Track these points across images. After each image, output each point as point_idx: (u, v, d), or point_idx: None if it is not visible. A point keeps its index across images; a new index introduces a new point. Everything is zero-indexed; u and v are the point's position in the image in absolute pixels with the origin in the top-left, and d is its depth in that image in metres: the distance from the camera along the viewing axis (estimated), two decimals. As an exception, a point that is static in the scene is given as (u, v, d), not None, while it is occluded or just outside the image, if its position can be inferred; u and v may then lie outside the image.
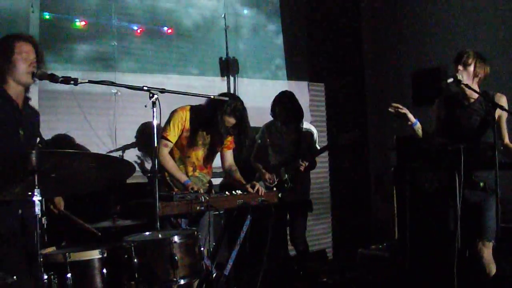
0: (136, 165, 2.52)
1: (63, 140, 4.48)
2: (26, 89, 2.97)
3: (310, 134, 4.86)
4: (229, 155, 4.16)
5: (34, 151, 2.20)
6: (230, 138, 4.08)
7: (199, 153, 3.96)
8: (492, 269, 3.60)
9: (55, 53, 4.55)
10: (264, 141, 4.93)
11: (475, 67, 3.68)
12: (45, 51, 4.11)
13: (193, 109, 3.93)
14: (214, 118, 3.80)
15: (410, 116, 3.68)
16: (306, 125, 4.90)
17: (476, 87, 3.71)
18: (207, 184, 4.06)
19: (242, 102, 3.90)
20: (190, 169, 3.93)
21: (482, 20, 5.64)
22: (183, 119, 3.86)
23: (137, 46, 5.04)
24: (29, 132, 2.93)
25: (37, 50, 2.92)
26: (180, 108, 3.90)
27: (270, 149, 4.90)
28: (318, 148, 4.84)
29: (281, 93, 4.87)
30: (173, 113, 3.87)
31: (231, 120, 3.85)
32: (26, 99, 3.00)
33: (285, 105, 4.75)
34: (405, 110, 3.67)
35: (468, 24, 5.74)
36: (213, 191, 3.94)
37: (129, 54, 4.97)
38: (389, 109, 3.67)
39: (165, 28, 5.21)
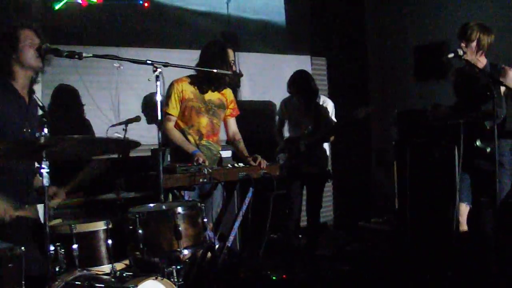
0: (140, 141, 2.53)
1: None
2: (33, 79, 2.99)
3: (326, 107, 4.90)
4: (232, 122, 4.14)
5: (42, 137, 2.23)
6: (232, 105, 4.09)
7: (203, 121, 3.90)
8: None
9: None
10: (282, 116, 5.10)
11: (478, 41, 3.66)
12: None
13: (191, 77, 3.92)
14: (213, 61, 3.76)
15: None
16: (323, 98, 4.96)
17: (482, 59, 3.73)
18: (218, 154, 4.02)
19: None
20: (196, 137, 3.88)
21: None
22: (179, 90, 3.84)
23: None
24: (34, 128, 2.96)
25: (38, 34, 2.96)
26: (175, 80, 3.86)
27: (288, 123, 5.05)
28: (335, 120, 4.88)
29: (297, 73, 4.93)
30: (169, 86, 3.84)
31: (231, 53, 3.88)
32: (31, 91, 3.01)
33: (300, 86, 4.83)
34: None
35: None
36: (228, 165, 3.83)
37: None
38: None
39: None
